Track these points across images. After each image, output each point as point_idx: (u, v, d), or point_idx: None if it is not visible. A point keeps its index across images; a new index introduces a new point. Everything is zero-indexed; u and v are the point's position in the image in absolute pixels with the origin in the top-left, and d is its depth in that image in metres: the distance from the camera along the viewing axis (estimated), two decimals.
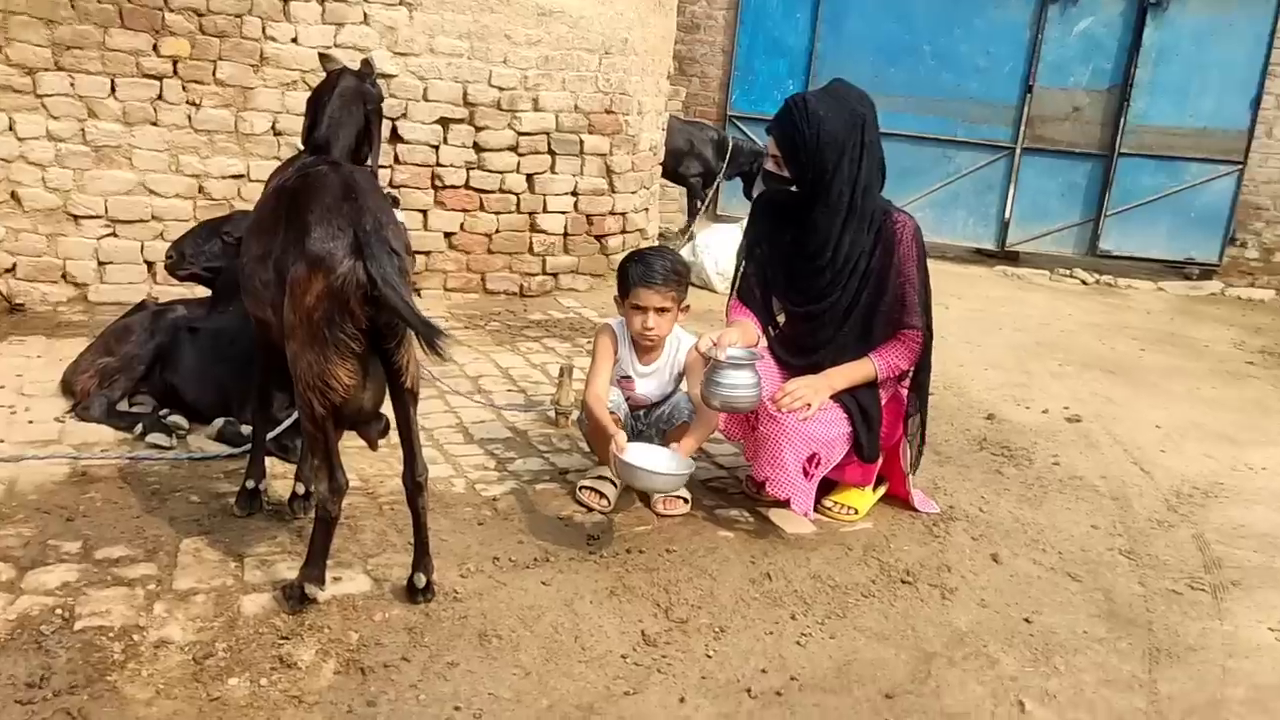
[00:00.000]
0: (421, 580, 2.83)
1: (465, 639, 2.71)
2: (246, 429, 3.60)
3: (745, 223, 3.79)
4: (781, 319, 3.68)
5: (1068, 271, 9.25)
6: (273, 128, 5.54)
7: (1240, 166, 9.21)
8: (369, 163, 3.37)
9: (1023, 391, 5.48)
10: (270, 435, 3.43)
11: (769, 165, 3.54)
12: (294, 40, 5.47)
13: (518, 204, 6.16)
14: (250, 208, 3.41)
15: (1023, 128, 9.32)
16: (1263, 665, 2.99)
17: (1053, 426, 4.95)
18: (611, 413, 3.55)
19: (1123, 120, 9.18)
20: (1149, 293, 8.94)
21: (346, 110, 3.26)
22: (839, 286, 3.47)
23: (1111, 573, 3.47)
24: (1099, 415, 5.19)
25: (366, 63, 3.54)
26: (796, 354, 3.60)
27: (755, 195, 3.92)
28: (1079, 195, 9.49)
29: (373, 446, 2.97)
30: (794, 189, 3.47)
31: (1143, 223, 9.39)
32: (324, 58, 3.55)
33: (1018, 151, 9.38)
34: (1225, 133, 9.18)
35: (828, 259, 3.45)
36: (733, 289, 3.74)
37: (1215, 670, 2.93)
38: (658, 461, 3.39)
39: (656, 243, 7.23)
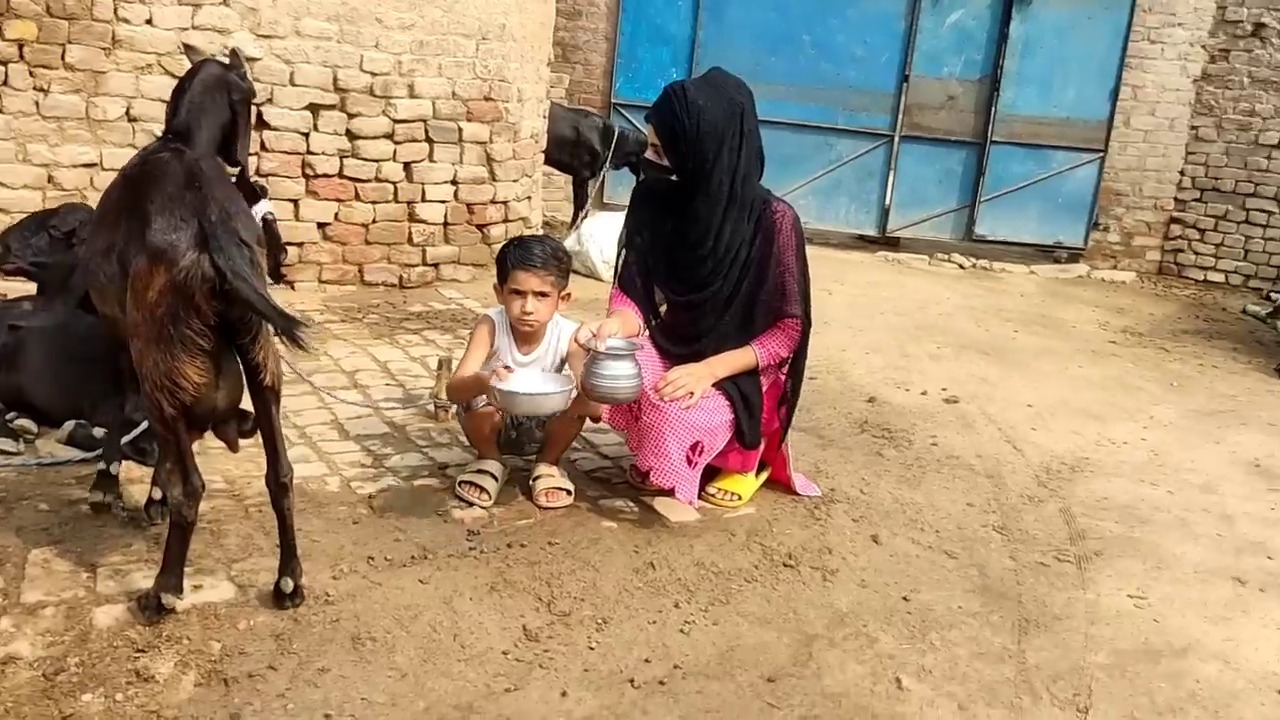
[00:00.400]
0: (289, 585, 2.72)
1: (337, 643, 2.62)
2: (99, 432, 3.42)
3: (625, 214, 3.75)
4: (663, 308, 3.67)
5: (945, 256, 9.48)
6: (127, 114, 5.28)
7: (1101, 155, 9.56)
8: (239, 155, 3.31)
9: (902, 374, 5.59)
10: (126, 439, 3.27)
11: (649, 154, 3.51)
12: (149, 22, 5.23)
13: (395, 193, 6.01)
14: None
15: (900, 116, 9.50)
16: (1123, 630, 3.10)
17: (931, 408, 5.05)
18: (489, 403, 3.48)
19: (993, 109, 9.44)
20: (1021, 276, 9.22)
21: (209, 98, 3.16)
22: (720, 275, 3.47)
23: (985, 549, 3.55)
24: (975, 396, 5.32)
25: (234, 53, 3.46)
26: (678, 343, 3.59)
27: (635, 184, 3.90)
28: (955, 182, 9.73)
29: (233, 448, 2.85)
30: (674, 178, 3.45)
31: (1014, 208, 9.68)
32: (188, 48, 3.46)
33: (896, 139, 9.56)
34: (1087, 122, 9.52)
35: (709, 248, 3.45)
36: (615, 278, 3.71)
37: (1079, 638, 3.03)
38: (537, 384, 3.35)
39: (540, 231, 7.16)
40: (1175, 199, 9.69)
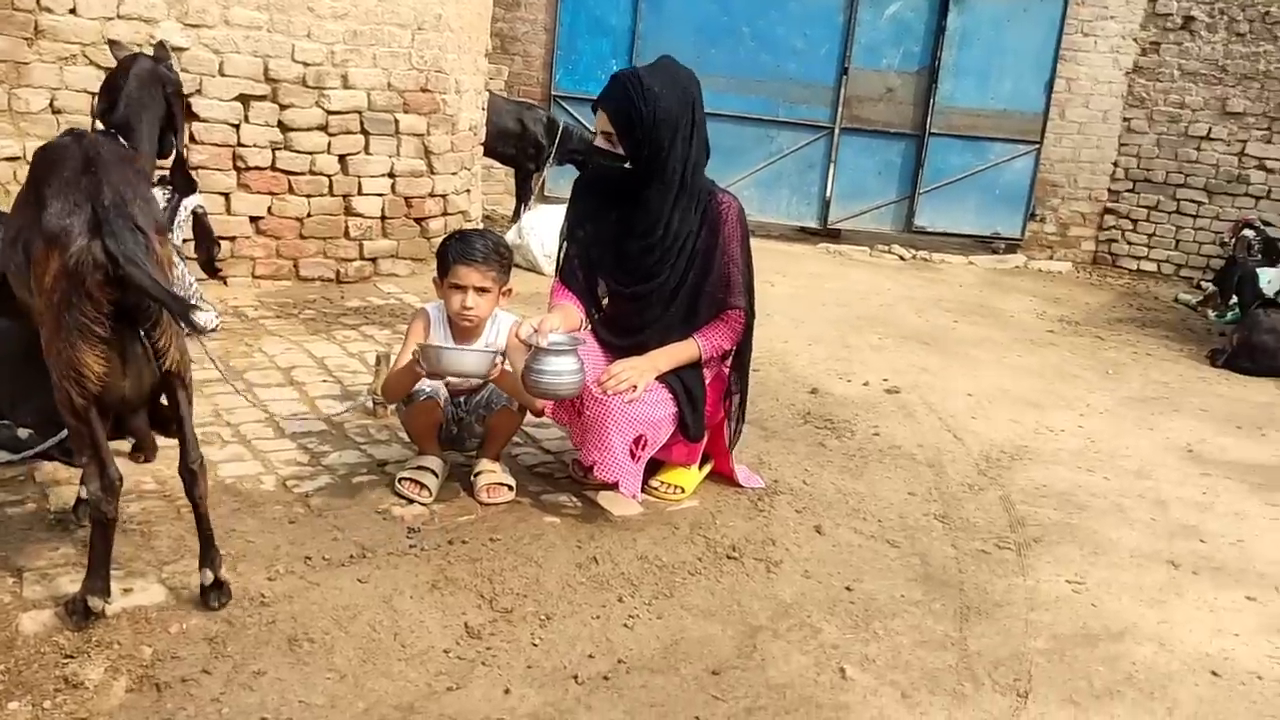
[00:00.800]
0: (209, 577, 2.65)
1: (273, 645, 2.56)
2: (25, 433, 3.31)
3: (566, 207, 3.71)
4: (605, 301, 3.64)
5: (886, 248, 9.57)
6: (51, 105, 5.13)
7: (1037, 146, 9.70)
8: (176, 147, 3.35)
9: (844, 365, 5.62)
10: (54, 440, 3.17)
11: (599, 142, 3.45)
12: (72, 11, 5.08)
13: (330, 186, 5.90)
14: None
15: (840, 108, 9.56)
16: (1061, 616, 3.13)
17: (873, 398, 5.08)
18: (429, 397, 3.43)
19: (932, 101, 9.53)
20: (961, 267, 9.34)
21: (146, 92, 3.18)
22: (667, 266, 3.46)
23: (927, 537, 3.57)
24: (916, 386, 5.36)
25: (161, 45, 3.46)
26: (621, 334, 3.57)
27: (577, 177, 3.86)
28: (894, 174, 9.82)
29: (142, 442, 2.76)
30: (626, 166, 3.41)
31: (953, 200, 9.79)
32: (113, 44, 3.44)
33: (836, 131, 9.62)
34: (1023, 114, 9.65)
35: (658, 237, 3.43)
36: (556, 271, 3.67)
37: (1019, 624, 3.06)
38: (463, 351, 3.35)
39: (480, 225, 7.10)
40: (1109, 190, 9.87)
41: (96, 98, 3.27)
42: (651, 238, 3.44)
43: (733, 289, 3.49)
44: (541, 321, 3.26)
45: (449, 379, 3.57)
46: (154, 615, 2.61)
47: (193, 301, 3.40)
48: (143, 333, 2.50)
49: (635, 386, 3.37)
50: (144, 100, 3.14)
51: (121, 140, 3.10)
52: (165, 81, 3.28)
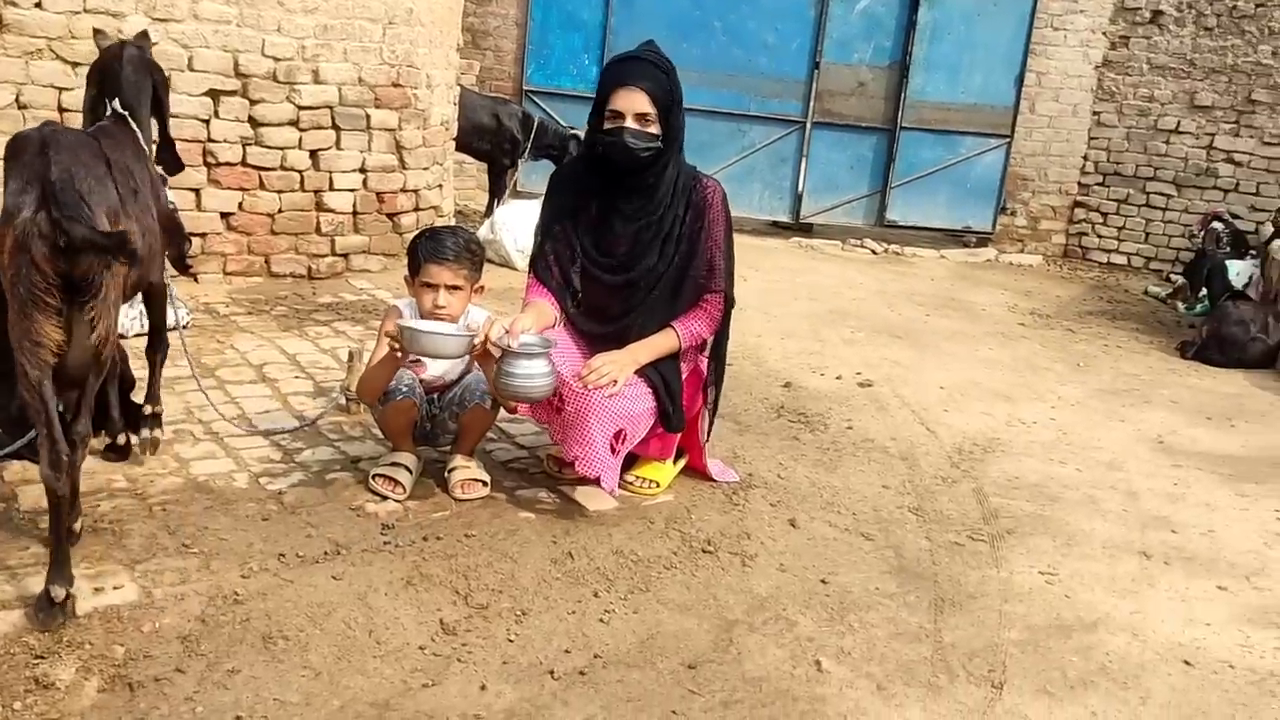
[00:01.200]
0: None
1: (247, 643, 2.54)
2: None
3: (542, 200, 3.68)
4: (581, 295, 3.61)
5: (858, 242, 9.60)
6: (16, 100, 5.05)
7: (1008, 140, 9.77)
8: (166, 132, 3.54)
9: (818, 359, 5.64)
10: (25, 440, 3.14)
11: (630, 123, 3.33)
12: (38, 5, 5.01)
13: (302, 181, 5.85)
14: None
15: (812, 102, 9.58)
16: (1035, 607, 3.16)
17: (846, 392, 5.10)
18: (406, 396, 3.42)
19: (903, 96, 9.57)
20: (932, 260, 9.38)
21: (141, 77, 3.33)
22: (656, 251, 3.44)
23: (901, 530, 3.59)
24: (888, 379, 5.39)
25: (144, 34, 3.58)
26: (604, 321, 3.53)
27: (555, 172, 3.83)
28: (866, 168, 9.85)
29: (77, 414, 2.82)
30: (644, 152, 3.35)
31: (924, 194, 9.84)
32: (97, 32, 3.55)
33: (808, 126, 9.64)
34: (994, 108, 9.72)
35: (655, 219, 3.42)
36: (530, 267, 3.65)
37: (993, 615, 3.08)
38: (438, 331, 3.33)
39: (453, 220, 7.07)
40: (1079, 183, 9.95)
41: (86, 84, 3.34)
42: (646, 219, 3.42)
43: (716, 273, 3.50)
44: (513, 323, 3.24)
45: (425, 376, 3.55)
46: (126, 614, 2.58)
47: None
48: (80, 304, 2.60)
49: (615, 380, 3.36)
50: (141, 85, 3.29)
51: (132, 123, 3.19)
52: (154, 69, 3.42)
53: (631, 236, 3.45)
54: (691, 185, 3.48)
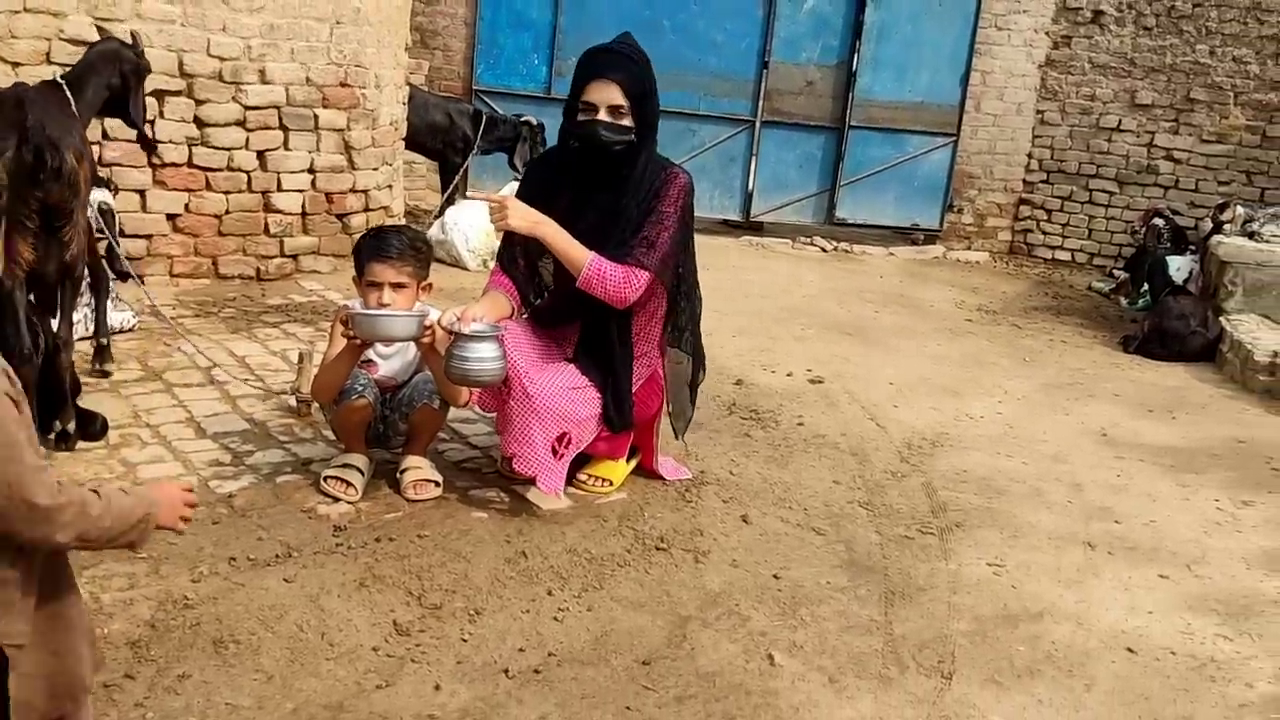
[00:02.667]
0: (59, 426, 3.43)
1: (198, 648, 2.52)
2: None
3: (515, 192, 3.66)
4: (550, 289, 3.58)
5: (808, 240, 9.67)
6: None
7: (954, 138, 9.89)
8: (135, 118, 4.18)
9: (769, 356, 5.68)
10: None
11: (604, 115, 3.32)
12: None
13: (249, 182, 5.79)
14: None
15: (761, 102, 9.63)
16: (983, 598, 3.21)
17: (797, 388, 5.14)
18: (361, 395, 3.40)
19: (850, 95, 9.65)
20: (881, 258, 9.48)
21: (101, 61, 3.95)
22: (625, 241, 3.42)
23: (852, 524, 3.63)
24: (839, 375, 5.44)
25: (134, 35, 4.23)
26: (561, 312, 3.53)
27: (530, 161, 3.81)
28: (815, 166, 9.92)
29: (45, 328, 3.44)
30: (617, 145, 3.35)
31: (873, 192, 9.93)
32: (100, 28, 4.54)
33: (758, 125, 9.69)
34: (940, 107, 9.83)
35: (628, 210, 3.42)
36: (496, 257, 3.63)
37: (942, 607, 3.13)
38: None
39: (403, 220, 7.02)
40: (1024, 181, 10.09)
41: None
42: (625, 210, 3.41)
43: (651, 249, 3.35)
44: (465, 310, 3.24)
45: (377, 375, 3.53)
46: None
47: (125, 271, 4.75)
48: (57, 228, 3.34)
49: (508, 218, 3.28)
50: (97, 67, 3.91)
51: (64, 87, 3.70)
52: (123, 60, 4.02)
53: (606, 229, 3.43)
54: (662, 176, 3.48)
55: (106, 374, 4.15)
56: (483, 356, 3.18)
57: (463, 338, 3.18)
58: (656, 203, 3.43)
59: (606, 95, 3.33)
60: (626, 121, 3.35)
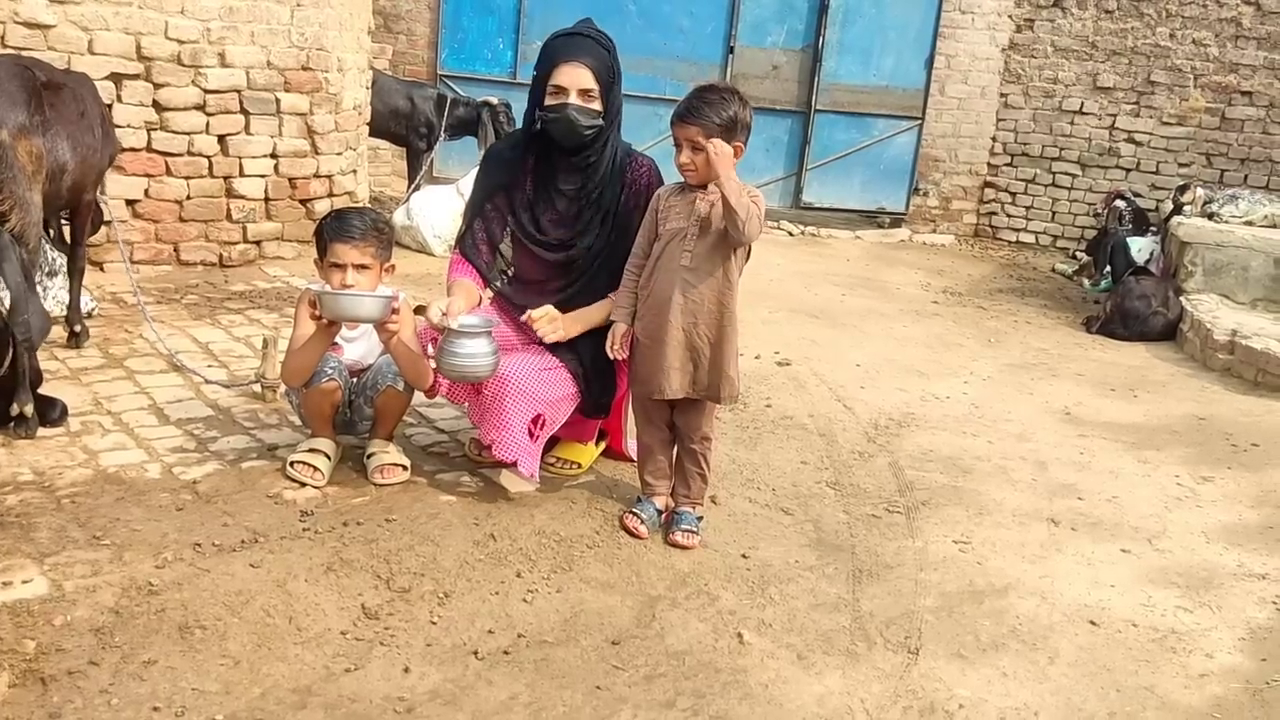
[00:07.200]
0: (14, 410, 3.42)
1: (163, 634, 2.50)
2: None
3: (475, 177, 3.64)
4: (511, 271, 3.57)
5: (775, 224, 9.68)
6: None
7: (919, 122, 9.93)
8: None
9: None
10: None
11: (574, 99, 3.28)
12: None
13: (210, 167, 5.72)
14: None
15: None
16: (949, 575, 3.25)
17: (765, 371, 5.16)
18: (331, 378, 3.37)
19: (816, 79, 9.67)
20: (848, 241, 9.51)
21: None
22: (595, 229, 3.41)
23: (820, 504, 3.65)
24: (806, 358, 5.46)
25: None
26: (542, 295, 3.47)
27: (490, 147, 3.77)
28: (782, 150, 9.94)
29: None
30: (588, 130, 3.32)
31: (839, 176, 9.97)
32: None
33: None
34: (905, 91, 9.87)
35: (595, 198, 3.40)
36: (457, 244, 3.60)
37: (909, 584, 3.16)
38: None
39: (368, 205, 6.96)
40: (988, 164, 10.16)
41: None
42: (586, 198, 3.40)
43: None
44: (449, 304, 3.22)
45: (343, 359, 3.50)
46: (36, 608, 2.53)
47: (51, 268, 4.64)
48: None
49: (558, 325, 3.33)
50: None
51: (31, 69, 3.78)
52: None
53: (573, 216, 3.42)
54: (626, 163, 3.47)
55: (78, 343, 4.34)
56: (474, 352, 3.16)
57: (454, 334, 3.16)
58: (635, 201, 3.43)
59: (577, 79, 3.29)
60: (596, 105, 3.33)
